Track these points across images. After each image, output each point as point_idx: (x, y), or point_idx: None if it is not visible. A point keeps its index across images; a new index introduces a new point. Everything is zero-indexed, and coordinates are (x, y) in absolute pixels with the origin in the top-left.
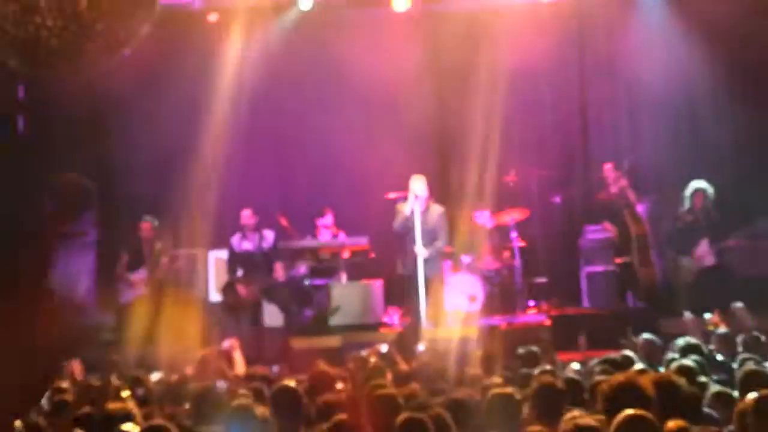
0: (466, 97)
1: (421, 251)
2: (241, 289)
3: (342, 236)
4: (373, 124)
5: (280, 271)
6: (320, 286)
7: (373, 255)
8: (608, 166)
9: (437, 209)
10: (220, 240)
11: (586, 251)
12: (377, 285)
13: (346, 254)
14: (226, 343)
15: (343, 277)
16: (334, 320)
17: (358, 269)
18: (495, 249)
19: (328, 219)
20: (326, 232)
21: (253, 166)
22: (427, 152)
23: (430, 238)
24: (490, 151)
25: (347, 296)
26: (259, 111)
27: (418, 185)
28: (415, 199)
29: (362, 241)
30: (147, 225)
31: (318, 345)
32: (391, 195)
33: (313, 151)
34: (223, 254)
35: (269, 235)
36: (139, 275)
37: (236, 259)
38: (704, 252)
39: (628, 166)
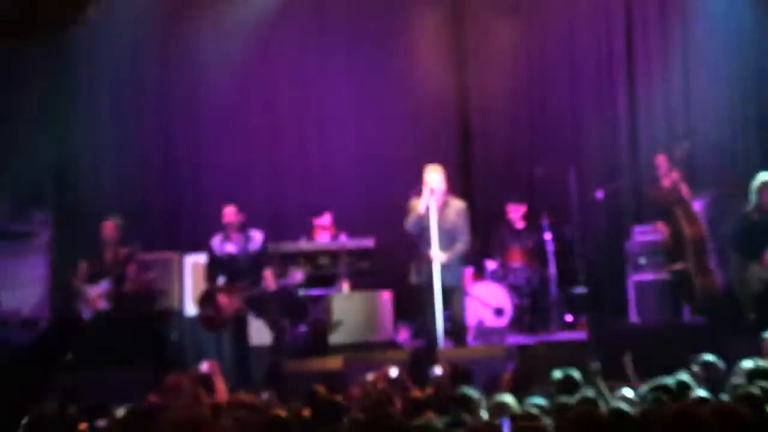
0: (489, 76)
1: (437, 255)
2: (222, 300)
3: (343, 238)
4: (381, 108)
5: (269, 279)
6: (317, 297)
7: (380, 260)
8: (661, 157)
9: (457, 205)
10: (199, 242)
11: (634, 256)
12: (385, 296)
13: (348, 259)
14: (204, 366)
15: (345, 286)
16: (335, 338)
17: (363, 277)
18: (525, 253)
19: (326, 219)
20: (324, 234)
21: (239, 156)
22: (445, 140)
23: (448, 240)
24: (519, 139)
25: (350, 309)
26: (248, 94)
27: (434, 177)
28: (431, 194)
29: (368, 244)
30: (110, 225)
31: (315, 367)
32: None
33: (310, 139)
34: (202, 259)
35: (257, 235)
36: (101, 287)
37: (217, 264)
38: None
39: (681, 154)
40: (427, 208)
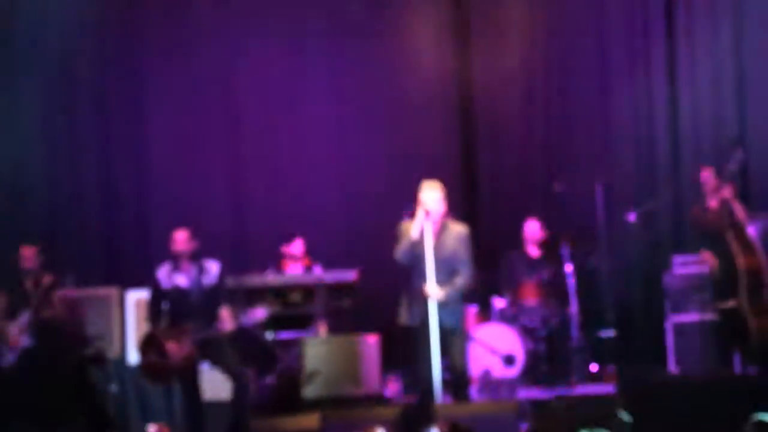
0: (497, 66)
1: (434, 291)
2: (170, 345)
3: (318, 270)
4: (365, 111)
5: (227, 319)
6: (288, 342)
7: (364, 297)
8: (707, 171)
9: (458, 230)
10: (144, 276)
11: (674, 292)
12: (371, 341)
13: (325, 296)
14: (152, 430)
15: (322, 328)
16: (309, 391)
17: (344, 318)
18: (541, 288)
19: (297, 246)
20: (295, 265)
21: (194, 173)
22: (444, 149)
23: (446, 272)
24: (534, 146)
25: (328, 356)
26: (206, 100)
27: (431, 196)
28: (426, 217)
29: (349, 277)
30: (30, 251)
31: (287, 427)
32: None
33: (279, 152)
34: (147, 294)
35: (213, 267)
36: (20, 322)
37: (162, 300)
38: None
39: (733, 167)
40: (422, 234)
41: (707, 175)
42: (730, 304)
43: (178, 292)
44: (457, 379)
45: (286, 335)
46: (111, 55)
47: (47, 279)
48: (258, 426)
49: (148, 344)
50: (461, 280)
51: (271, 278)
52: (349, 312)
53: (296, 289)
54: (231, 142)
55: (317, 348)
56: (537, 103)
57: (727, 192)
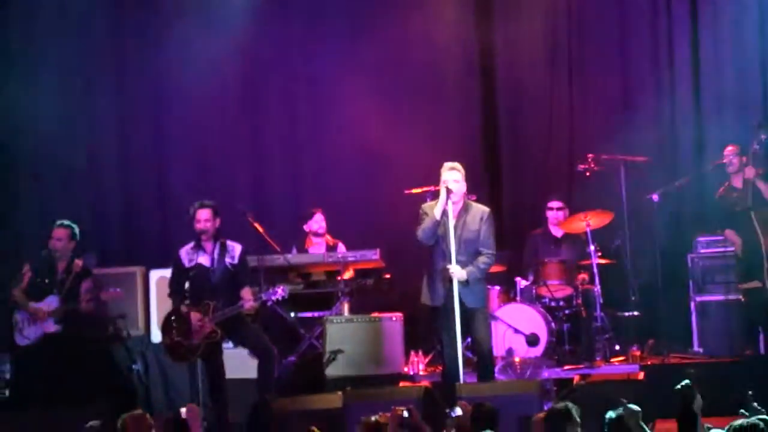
0: (519, 41)
1: (457, 271)
2: (192, 323)
3: (341, 248)
4: (385, 88)
5: (249, 298)
6: (311, 321)
7: (388, 276)
8: (731, 149)
9: (481, 210)
10: (166, 255)
11: (698, 272)
12: (395, 320)
13: (348, 275)
14: (184, 410)
15: (345, 308)
16: (332, 370)
17: (367, 297)
18: (565, 268)
19: (318, 224)
20: (318, 243)
21: (214, 151)
22: (465, 128)
23: (469, 253)
24: (556, 125)
25: (351, 336)
26: (224, 75)
27: (453, 176)
28: (449, 196)
29: (372, 256)
30: (63, 232)
31: (309, 406)
32: (414, 190)
33: (299, 129)
34: (169, 274)
35: (235, 247)
36: (48, 305)
37: (185, 279)
38: None
39: (759, 147)
40: (444, 214)
41: (731, 152)
42: (754, 284)
43: (200, 271)
44: (482, 359)
45: (309, 314)
46: (130, 24)
47: (77, 265)
48: (281, 405)
49: (171, 323)
50: (484, 260)
51: (292, 258)
52: (374, 291)
53: (318, 267)
54: (251, 119)
55: (340, 327)
56: (559, 84)
57: (751, 172)
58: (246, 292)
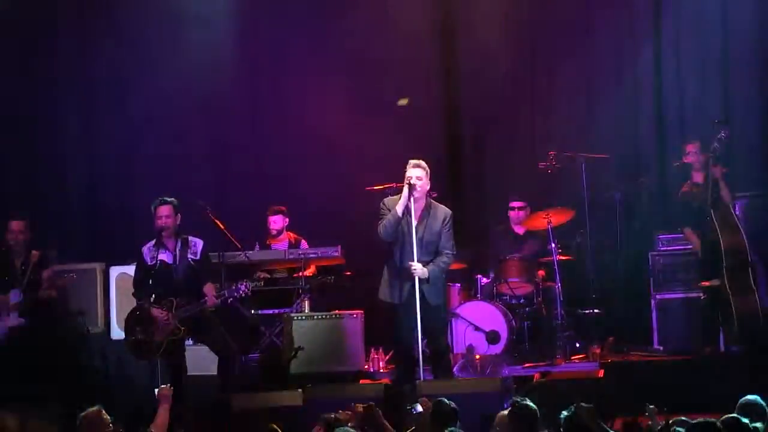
0: (481, 37)
1: (419, 269)
2: (155, 320)
3: (304, 245)
4: (347, 83)
5: (212, 295)
6: (271, 318)
7: (349, 273)
8: (692, 147)
9: (444, 211)
10: (127, 251)
11: (659, 270)
12: (355, 317)
13: (309, 272)
14: (157, 391)
15: (306, 305)
16: (293, 367)
17: (328, 294)
18: (526, 266)
19: (278, 221)
20: (281, 240)
21: (176, 145)
22: (427, 125)
23: (430, 251)
24: (519, 123)
25: (312, 333)
26: (190, 67)
27: (416, 173)
28: (411, 193)
29: (333, 253)
30: (21, 224)
31: (270, 402)
32: (375, 187)
33: (262, 124)
34: (131, 270)
35: (197, 243)
36: (11, 299)
37: (148, 276)
38: None
39: (718, 145)
40: (407, 210)
41: (692, 150)
42: (714, 282)
43: (162, 268)
44: (438, 356)
45: (269, 311)
46: (93, 19)
47: (35, 255)
48: (241, 402)
49: (134, 320)
50: (444, 260)
51: (253, 254)
52: (334, 288)
53: (280, 264)
54: (214, 113)
55: (301, 325)
56: (523, 81)
57: (717, 170)
58: (209, 288)
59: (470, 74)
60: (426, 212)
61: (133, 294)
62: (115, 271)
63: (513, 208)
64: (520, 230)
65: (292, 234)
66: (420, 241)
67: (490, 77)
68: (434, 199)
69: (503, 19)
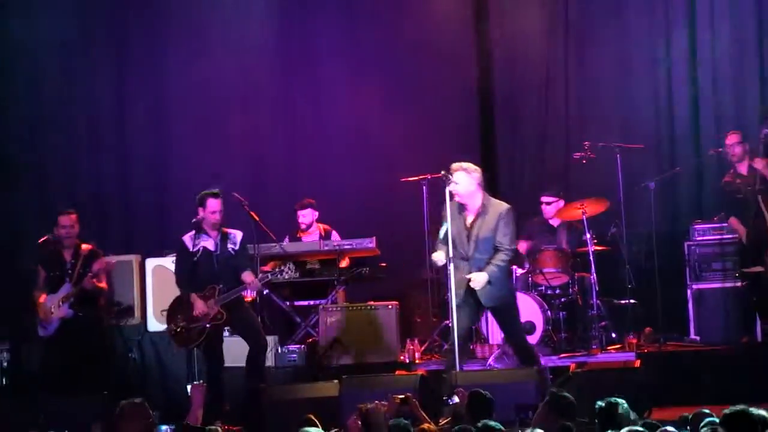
0: (518, 41)
1: (478, 279)
2: (198, 308)
3: (335, 236)
4: (382, 78)
5: (251, 283)
6: (307, 309)
7: (384, 264)
8: (733, 138)
9: (498, 207)
10: (163, 244)
11: (695, 260)
12: (390, 308)
13: (344, 263)
14: (190, 387)
15: (341, 296)
16: (329, 358)
17: (363, 285)
18: (560, 256)
19: (307, 215)
20: (311, 232)
21: (211, 140)
22: (461, 117)
23: (486, 250)
24: (553, 114)
25: (347, 324)
26: (224, 63)
27: (455, 178)
28: (451, 199)
29: (368, 244)
30: (68, 218)
31: (306, 394)
32: (410, 178)
33: (295, 117)
34: (166, 262)
35: (236, 234)
36: (62, 291)
37: (190, 263)
38: None
39: (765, 137)
40: (455, 215)
41: (734, 141)
42: (757, 269)
43: (204, 256)
44: (519, 351)
45: (304, 303)
46: (133, 15)
47: (86, 249)
48: (276, 393)
49: (177, 309)
50: (502, 257)
51: (289, 246)
52: (368, 279)
53: (314, 256)
54: (248, 108)
55: (336, 316)
56: (556, 73)
57: (760, 163)
58: (248, 275)
59: (504, 65)
60: (481, 210)
61: (177, 283)
62: (151, 263)
63: (544, 203)
64: (554, 221)
65: (322, 225)
66: (478, 240)
67: (523, 68)
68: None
69: (537, 12)
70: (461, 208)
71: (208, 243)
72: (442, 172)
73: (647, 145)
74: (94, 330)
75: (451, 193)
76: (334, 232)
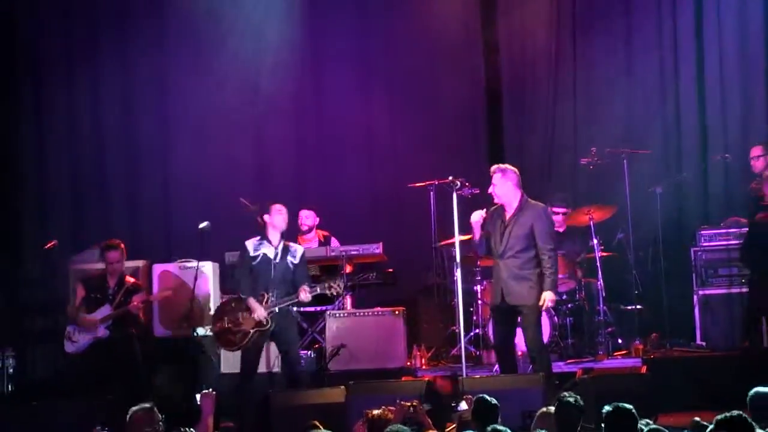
0: (522, 43)
1: (548, 297)
2: (259, 312)
3: (334, 242)
4: (387, 79)
5: (304, 291)
6: (313, 315)
7: (391, 270)
8: (757, 151)
9: (535, 209)
10: (169, 249)
11: (701, 266)
12: (397, 314)
13: (349, 269)
14: (199, 396)
15: (348, 302)
16: (335, 364)
17: (370, 291)
18: (567, 262)
19: (310, 216)
20: (310, 239)
21: (218, 145)
22: (468, 118)
23: (520, 248)
24: (560, 118)
25: (354, 330)
26: (231, 66)
27: (493, 179)
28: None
29: (375, 250)
30: (118, 254)
31: (312, 400)
32: (417, 184)
33: (302, 122)
34: (171, 268)
35: (297, 249)
36: (100, 314)
37: (248, 266)
38: None
39: None
40: (482, 222)
41: (759, 153)
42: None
43: (263, 261)
44: (532, 354)
45: (311, 309)
46: (135, 19)
47: (130, 282)
48: (283, 399)
49: (226, 310)
50: (547, 264)
51: None
52: (377, 285)
53: (321, 263)
54: (255, 112)
55: (342, 322)
56: (563, 78)
57: None
58: (302, 291)
59: (512, 66)
60: (518, 211)
61: (229, 284)
62: (158, 269)
63: (556, 213)
64: (561, 227)
65: (321, 231)
66: (508, 236)
67: (530, 74)
68: (475, 196)
69: (544, 16)
70: (501, 209)
71: (269, 251)
72: (450, 178)
73: (654, 150)
74: (128, 355)
75: (490, 194)
76: (333, 239)
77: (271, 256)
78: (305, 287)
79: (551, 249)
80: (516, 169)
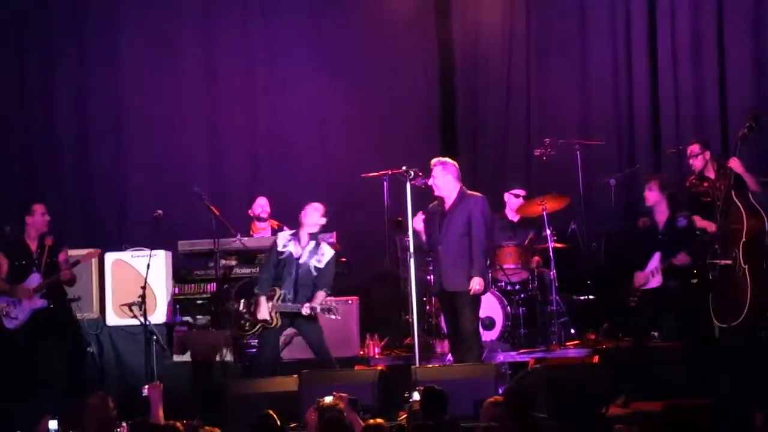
0: (477, 31)
1: (475, 285)
2: (261, 312)
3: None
4: (347, 78)
5: (317, 301)
6: None
7: (344, 259)
8: (694, 148)
9: (473, 200)
10: (122, 238)
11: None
12: (350, 303)
13: None
14: (146, 388)
15: None
16: (288, 353)
17: None
18: (521, 252)
19: (261, 207)
20: (263, 228)
21: (170, 132)
22: (422, 110)
23: (454, 239)
24: (514, 110)
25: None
26: (185, 53)
27: (433, 172)
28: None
29: (328, 239)
30: (42, 206)
31: (265, 389)
32: (371, 174)
33: (256, 110)
34: (126, 256)
35: (326, 252)
36: (32, 282)
37: (273, 260)
38: None
39: (748, 132)
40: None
41: (696, 150)
42: (725, 261)
43: (287, 258)
44: (465, 342)
45: None
46: (89, 7)
47: (49, 239)
48: (236, 387)
49: (244, 294)
50: (476, 250)
51: (248, 241)
52: None
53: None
54: (209, 103)
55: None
56: (517, 67)
57: (735, 164)
58: (319, 295)
59: (464, 60)
60: (458, 202)
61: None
62: (110, 257)
63: (517, 196)
64: (514, 217)
65: (274, 221)
66: (446, 226)
67: (484, 63)
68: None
69: (499, 3)
70: (440, 202)
71: (296, 249)
72: (403, 168)
73: (607, 141)
74: (69, 322)
75: (429, 186)
76: (285, 228)
77: (296, 255)
78: (319, 294)
79: (483, 237)
80: (456, 163)
